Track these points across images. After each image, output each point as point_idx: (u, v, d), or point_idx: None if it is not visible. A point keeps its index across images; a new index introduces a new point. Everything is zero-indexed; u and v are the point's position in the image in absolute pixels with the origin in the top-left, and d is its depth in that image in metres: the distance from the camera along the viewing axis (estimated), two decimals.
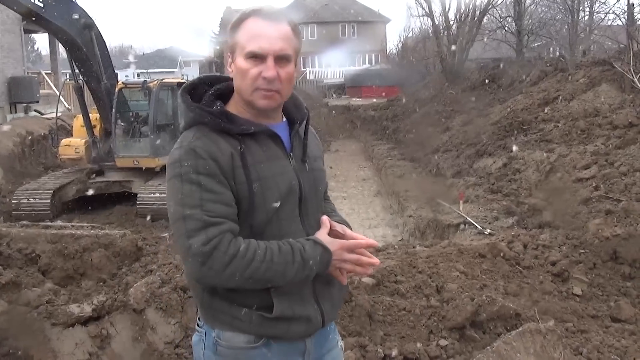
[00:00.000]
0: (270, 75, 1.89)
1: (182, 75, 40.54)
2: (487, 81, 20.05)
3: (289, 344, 1.99)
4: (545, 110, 13.27)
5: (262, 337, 1.94)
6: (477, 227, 8.48)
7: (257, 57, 1.89)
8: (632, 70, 6.50)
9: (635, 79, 6.46)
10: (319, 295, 2.03)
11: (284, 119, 2.08)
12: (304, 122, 2.11)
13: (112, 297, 4.17)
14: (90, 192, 11.40)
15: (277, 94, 1.94)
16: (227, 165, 1.85)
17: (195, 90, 2.02)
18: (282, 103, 2.03)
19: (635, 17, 16.43)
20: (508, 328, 4.17)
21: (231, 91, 2.02)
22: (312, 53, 50.15)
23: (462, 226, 8.89)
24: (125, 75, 40.99)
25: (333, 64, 48.96)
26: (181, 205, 1.82)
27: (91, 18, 10.74)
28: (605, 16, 19.42)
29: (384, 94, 34.07)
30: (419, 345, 3.95)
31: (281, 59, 1.91)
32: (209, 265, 1.78)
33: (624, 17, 17.05)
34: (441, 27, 26.74)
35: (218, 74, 2.13)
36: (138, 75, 42.25)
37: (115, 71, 12.09)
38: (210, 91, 2.02)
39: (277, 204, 1.92)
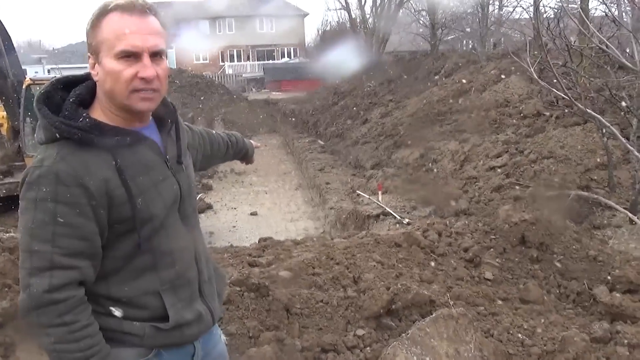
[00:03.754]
0: (149, 74, 1.72)
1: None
2: (403, 74, 20.44)
3: (179, 349, 1.93)
4: (459, 102, 13.65)
5: (153, 348, 1.86)
6: (395, 216, 8.63)
7: (130, 56, 1.70)
8: (529, 62, 6.74)
9: (534, 72, 6.70)
10: (205, 293, 2.01)
11: (151, 119, 1.92)
12: (176, 121, 1.98)
13: (17, 303, 3.97)
14: None
15: (157, 94, 1.78)
16: (98, 191, 1.67)
17: (50, 99, 1.78)
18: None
19: (541, 11, 17.11)
20: (423, 315, 4.25)
21: (91, 93, 1.82)
22: (231, 47, 49.63)
23: (381, 216, 9.03)
24: (35, 72, 39.29)
25: (252, 58, 48.67)
26: (30, 236, 1.65)
27: None
28: (514, 10, 20.21)
29: (304, 87, 34.13)
30: (336, 336, 3.98)
31: (156, 55, 1.75)
32: (37, 314, 1.65)
33: (531, 11, 17.72)
34: (358, 21, 27.05)
35: (71, 75, 1.90)
36: (49, 71, 40.58)
37: (24, 67, 11.55)
38: (70, 98, 1.78)
39: (163, 215, 1.82)
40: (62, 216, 1.64)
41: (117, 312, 1.79)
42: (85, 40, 1.79)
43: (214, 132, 2.53)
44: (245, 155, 2.78)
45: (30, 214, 1.65)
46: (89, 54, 1.78)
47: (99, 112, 1.80)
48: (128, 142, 1.76)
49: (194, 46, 46.39)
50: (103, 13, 1.72)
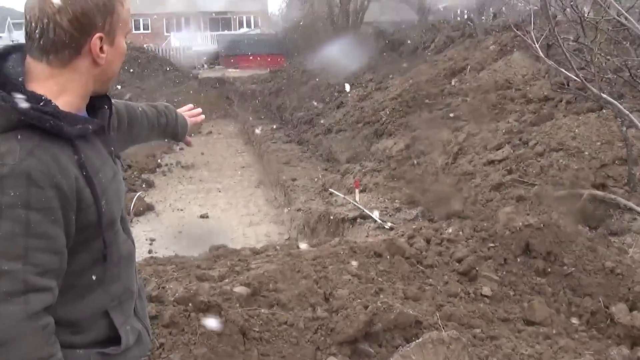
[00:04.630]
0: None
1: (12, 40, 38.69)
2: (385, 48, 20.49)
3: None
4: (453, 82, 13.74)
5: None
6: (375, 220, 8.64)
7: None
8: (534, 37, 6.77)
9: (540, 49, 6.74)
10: (138, 309, 2.05)
11: None
12: (111, 107, 2.01)
13: None
14: None
15: None
16: (70, 191, 1.67)
17: None
18: None
19: None
20: (407, 339, 4.25)
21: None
22: (178, 14, 49.27)
23: (358, 220, 9.02)
24: None
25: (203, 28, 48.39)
26: None
27: None
28: None
29: (266, 63, 34.04)
30: None
31: None
32: (7, 350, 1.57)
33: None
34: None
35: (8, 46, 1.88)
36: None
37: None
38: (19, 77, 1.76)
39: (119, 218, 1.90)
40: (36, 226, 1.60)
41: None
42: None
43: (137, 105, 2.49)
44: (175, 134, 2.69)
45: None
46: (97, 36, 1.79)
47: (59, 99, 1.78)
48: (90, 129, 1.79)
49: (132, 11, 45.92)
50: None
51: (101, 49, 1.79)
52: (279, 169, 13.71)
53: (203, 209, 12.48)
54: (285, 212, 11.56)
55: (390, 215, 8.93)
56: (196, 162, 16.25)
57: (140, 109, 2.49)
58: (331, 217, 9.45)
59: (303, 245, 6.33)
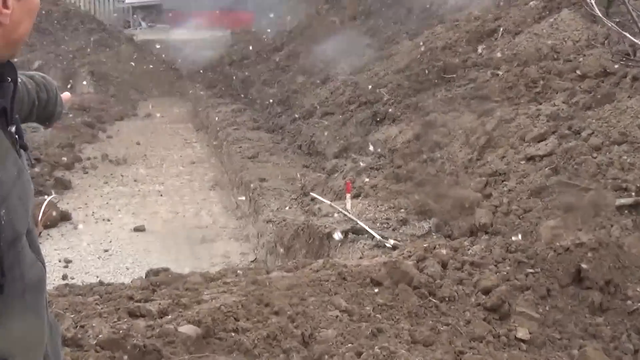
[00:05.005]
0: None
1: None
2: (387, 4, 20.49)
3: None
4: (479, 50, 13.72)
5: None
6: (373, 235, 8.62)
7: None
8: None
9: (595, 5, 6.76)
10: (49, 354, 2.07)
11: None
12: (16, 81, 2.04)
13: None
14: None
15: None
16: None
17: None
18: None
19: None
20: None
21: None
22: None
23: (350, 235, 9.01)
24: None
25: None
26: None
27: None
28: None
29: (227, 22, 33.94)
30: None
31: None
32: None
33: None
34: None
35: None
36: None
37: None
38: None
39: (24, 232, 1.89)
40: None
41: None
42: None
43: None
44: (52, 114, 2.68)
45: None
46: None
47: None
48: None
49: None
50: None
51: (5, 3, 1.80)
52: (242, 166, 13.68)
53: (138, 219, 12.44)
54: (251, 225, 11.53)
55: (393, 230, 8.93)
56: (130, 155, 16.18)
57: (24, 85, 2.48)
58: (313, 232, 9.42)
59: (275, 271, 6.32)
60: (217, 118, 18.26)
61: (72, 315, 4.86)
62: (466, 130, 10.88)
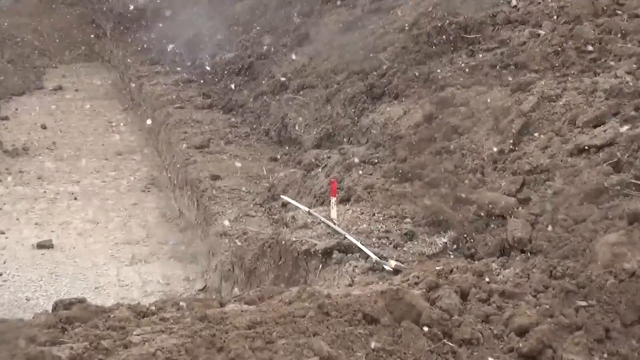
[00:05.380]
0: None
1: None
2: None
3: None
4: (514, 1, 13.74)
5: None
6: (367, 254, 8.60)
7: None
8: None
9: None
10: None
11: None
12: None
13: None
14: None
15: None
16: None
17: None
18: None
19: None
20: None
21: None
22: None
23: (335, 254, 8.98)
24: None
25: None
26: None
27: None
28: None
29: None
30: None
31: None
32: None
33: None
34: None
35: None
36: None
37: None
38: None
39: None
40: None
41: None
42: None
43: None
44: None
45: None
46: None
47: None
48: None
49: None
50: None
51: None
52: (187, 159, 13.71)
53: (43, 231, 12.44)
54: (199, 240, 11.54)
55: (395, 247, 8.92)
56: (32, 143, 16.20)
57: None
58: (285, 249, 9.39)
59: (231, 303, 6.29)
60: (153, 93, 18.26)
61: None
62: (495, 111, 10.89)
